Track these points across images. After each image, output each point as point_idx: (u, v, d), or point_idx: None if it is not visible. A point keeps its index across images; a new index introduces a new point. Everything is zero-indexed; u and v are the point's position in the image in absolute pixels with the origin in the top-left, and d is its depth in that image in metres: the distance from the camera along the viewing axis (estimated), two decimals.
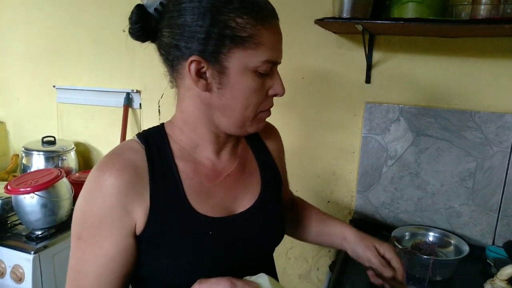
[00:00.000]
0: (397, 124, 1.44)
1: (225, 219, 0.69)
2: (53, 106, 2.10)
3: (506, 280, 0.84)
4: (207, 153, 0.72)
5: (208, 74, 0.63)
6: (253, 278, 0.58)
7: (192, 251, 0.65)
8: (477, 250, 1.31)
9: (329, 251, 1.66)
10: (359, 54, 1.44)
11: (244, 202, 0.74)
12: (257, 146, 0.83)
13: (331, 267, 1.35)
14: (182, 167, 0.68)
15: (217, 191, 0.71)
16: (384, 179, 1.50)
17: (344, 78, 1.50)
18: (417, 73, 1.40)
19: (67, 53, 2.02)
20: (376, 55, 1.44)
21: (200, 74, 0.63)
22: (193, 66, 0.62)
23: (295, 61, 1.56)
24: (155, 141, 0.69)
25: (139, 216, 0.63)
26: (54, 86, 2.05)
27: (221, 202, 0.70)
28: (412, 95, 1.42)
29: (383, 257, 0.79)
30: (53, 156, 1.84)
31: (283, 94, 0.68)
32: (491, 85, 1.32)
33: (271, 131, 0.89)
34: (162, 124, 0.74)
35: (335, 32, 1.45)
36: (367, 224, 1.53)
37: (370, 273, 0.78)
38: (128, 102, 1.88)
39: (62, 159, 1.86)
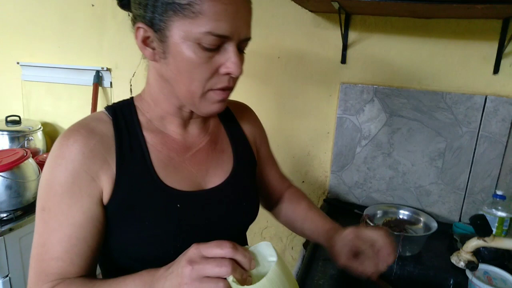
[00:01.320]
0: (371, 105, 1.45)
1: (194, 193, 0.68)
2: (18, 84, 2.00)
3: (471, 252, 0.87)
4: (173, 126, 0.71)
5: (154, 43, 0.61)
6: (251, 248, 0.55)
7: (159, 223, 0.64)
8: (445, 226, 1.36)
9: None
10: (335, 34, 1.43)
11: (215, 178, 0.73)
12: (231, 126, 0.82)
13: (305, 245, 1.37)
14: (150, 139, 0.68)
15: (187, 166, 0.70)
16: (358, 159, 1.52)
17: (320, 58, 1.50)
18: (392, 54, 1.41)
19: (32, 27, 1.91)
20: (352, 35, 1.43)
21: (147, 42, 0.61)
22: (139, 33, 0.60)
23: (271, 40, 1.54)
24: (123, 113, 0.68)
25: (105, 184, 0.62)
26: (18, 63, 1.94)
27: (190, 177, 0.69)
28: (386, 75, 1.43)
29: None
30: (18, 136, 1.76)
31: (237, 74, 0.62)
32: (462, 66, 1.34)
33: (247, 112, 0.88)
34: (132, 97, 0.73)
35: (311, 11, 1.43)
36: (340, 203, 1.56)
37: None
38: (98, 80, 1.81)
39: (28, 140, 1.78)
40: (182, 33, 0.57)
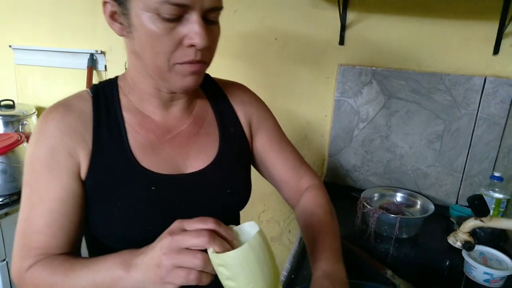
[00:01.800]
0: (370, 87, 1.43)
1: (171, 177, 0.67)
2: (11, 67, 1.96)
3: (468, 232, 0.87)
4: (152, 107, 0.69)
5: (121, 17, 0.60)
6: (235, 228, 0.53)
7: (131, 204, 0.63)
8: (442, 209, 1.36)
9: None
10: (334, 14, 1.40)
11: (196, 162, 0.70)
12: (221, 107, 0.77)
13: None
14: (129, 119, 0.67)
15: (166, 148, 0.68)
16: (355, 142, 1.51)
17: (318, 39, 1.47)
18: (390, 35, 1.39)
19: (24, 10, 1.87)
20: (351, 16, 1.41)
21: (114, 17, 0.61)
22: (106, 8, 0.60)
23: (268, 21, 1.51)
24: (105, 91, 0.68)
25: (83, 160, 0.62)
26: (10, 46, 1.91)
27: (169, 160, 0.68)
28: (384, 57, 1.41)
29: None
30: (12, 120, 1.73)
31: (201, 46, 0.57)
32: (461, 47, 1.32)
33: (241, 92, 0.82)
34: (117, 76, 0.72)
35: None
36: (338, 186, 1.56)
37: None
38: (92, 63, 1.78)
39: (23, 124, 1.75)
40: (141, 4, 0.56)
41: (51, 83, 1.93)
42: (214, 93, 0.78)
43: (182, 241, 0.48)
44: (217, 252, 0.48)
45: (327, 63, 1.48)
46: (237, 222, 0.81)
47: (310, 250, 0.71)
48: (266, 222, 1.76)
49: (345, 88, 1.46)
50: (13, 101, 1.79)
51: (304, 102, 1.56)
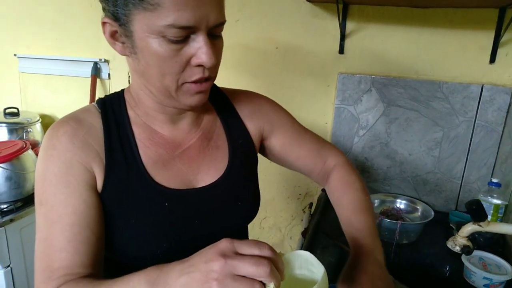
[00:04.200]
0: (369, 95, 1.46)
1: (184, 192, 0.66)
2: (15, 76, 1.99)
3: (466, 237, 0.89)
4: (160, 123, 0.68)
5: (122, 37, 0.59)
6: (285, 256, 0.50)
7: (144, 221, 0.63)
8: (441, 215, 1.37)
9: (302, 220, 1.69)
10: (333, 24, 1.43)
11: (207, 176, 0.70)
12: (229, 120, 0.76)
13: (303, 233, 1.39)
14: (139, 134, 0.67)
15: (176, 163, 0.68)
16: (356, 149, 1.53)
17: (318, 49, 1.50)
18: (389, 44, 1.41)
19: (29, 19, 1.90)
20: (350, 25, 1.44)
21: (115, 37, 0.60)
22: (106, 28, 0.59)
23: (268, 30, 1.54)
24: (112, 106, 0.68)
25: (98, 174, 0.62)
26: (15, 55, 1.94)
27: (181, 175, 0.67)
28: (383, 65, 1.44)
29: None
30: (16, 128, 1.76)
31: (210, 65, 0.57)
32: (459, 56, 1.35)
33: (250, 102, 0.81)
34: (123, 90, 0.71)
35: (309, 1, 1.43)
36: None
37: None
38: (96, 72, 1.81)
39: (27, 131, 1.78)
40: (145, 27, 0.55)
41: (55, 91, 1.96)
42: (222, 105, 0.77)
43: (239, 267, 0.42)
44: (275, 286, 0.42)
45: (327, 71, 1.51)
46: (245, 233, 0.82)
47: (345, 228, 0.75)
48: (267, 229, 1.78)
49: (345, 96, 1.49)
50: (17, 108, 1.82)
51: (305, 109, 1.58)
